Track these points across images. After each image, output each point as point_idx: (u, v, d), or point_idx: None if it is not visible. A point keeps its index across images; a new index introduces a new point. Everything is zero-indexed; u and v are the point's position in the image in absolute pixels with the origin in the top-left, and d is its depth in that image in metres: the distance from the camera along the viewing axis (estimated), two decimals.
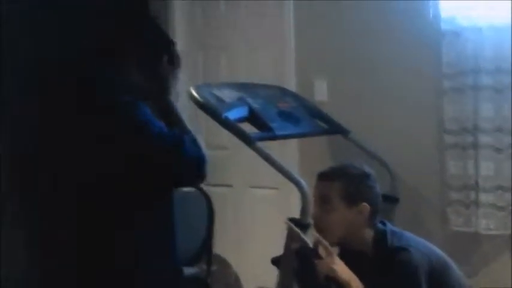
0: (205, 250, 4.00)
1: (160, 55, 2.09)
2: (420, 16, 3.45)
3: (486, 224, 3.20)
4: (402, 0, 3.52)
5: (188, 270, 3.95)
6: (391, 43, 3.59)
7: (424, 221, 3.39)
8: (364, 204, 2.25)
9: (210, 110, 3.03)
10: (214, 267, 4.06)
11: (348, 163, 2.37)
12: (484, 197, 3.19)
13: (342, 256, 2.32)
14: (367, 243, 2.26)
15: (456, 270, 2.29)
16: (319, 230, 2.29)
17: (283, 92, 3.61)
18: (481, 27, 3.20)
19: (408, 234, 2.29)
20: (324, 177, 2.32)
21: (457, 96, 3.29)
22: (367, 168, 2.34)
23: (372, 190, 2.29)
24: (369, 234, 2.26)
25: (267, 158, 2.89)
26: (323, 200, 2.28)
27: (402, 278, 2.13)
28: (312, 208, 2.44)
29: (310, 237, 2.47)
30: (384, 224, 2.31)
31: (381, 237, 2.25)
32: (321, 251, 2.24)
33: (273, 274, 2.77)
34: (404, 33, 3.54)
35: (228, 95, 3.21)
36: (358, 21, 3.70)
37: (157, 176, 1.88)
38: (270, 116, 3.14)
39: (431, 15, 3.40)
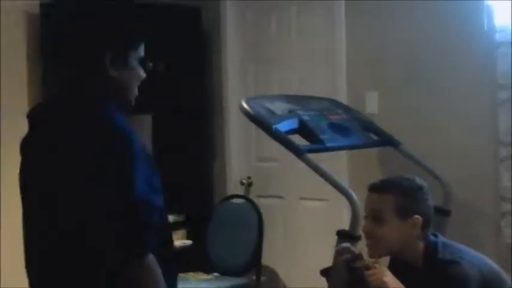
0: (255, 261, 4.02)
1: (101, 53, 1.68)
2: (475, 26, 3.41)
3: None
4: (456, 11, 3.49)
5: (238, 281, 3.98)
6: (445, 54, 3.55)
7: (478, 234, 3.33)
8: (417, 216, 2.21)
9: (261, 121, 3.06)
10: (263, 278, 4.07)
11: (400, 175, 2.35)
12: None
13: (393, 268, 2.30)
14: (419, 256, 2.23)
15: (510, 283, 2.25)
16: (371, 243, 2.27)
17: (335, 104, 3.61)
18: None
19: (460, 246, 2.25)
20: (376, 189, 2.29)
21: None
22: (420, 180, 2.30)
23: (424, 203, 2.26)
24: (420, 246, 2.23)
25: (317, 170, 2.90)
26: (375, 212, 2.26)
27: None
28: (362, 220, 2.42)
29: (359, 249, 2.47)
30: (435, 236, 2.28)
31: (432, 249, 2.21)
32: (371, 263, 2.22)
33: (322, 285, 2.76)
34: (459, 43, 3.50)
35: (278, 107, 3.23)
36: (410, 33, 3.68)
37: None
38: (321, 128, 3.14)
39: (485, 25, 3.36)
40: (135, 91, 1.75)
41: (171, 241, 1.76)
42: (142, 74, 1.76)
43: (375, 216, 2.24)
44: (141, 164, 1.57)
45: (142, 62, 1.75)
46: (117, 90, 1.70)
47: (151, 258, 1.55)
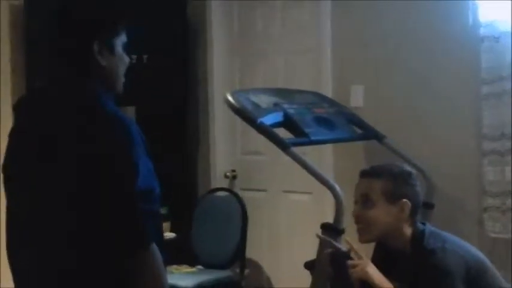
0: (239, 254, 4.02)
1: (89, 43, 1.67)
2: (459, 21, 3.42)
3: None
4: (441, 6, 3.50)
5: (222, 274, 3.98)
6: (429, 48, 3.56)
7: (461, 227, 3.34)
8: (405, 200, 2.25)
9: (246, 115, 3.05)
10: (247, 271, 4.08)
11: (390, 162, 2.40)
12: None
13: (378, 254, 2.32)
14: (406, 242, 2.26)
15: (495, 272, 2.27)
16: (361, 227, 2.29)
17: (320, 97, 3.62)
18: None
19: (447, 235, 2.28)
20: (366, 175, 2.33)
21: (496, 102, 3.24)
22: (408, 167, 2.36)
23: (412, 188, 2.30)
24: (408, 232, 2.26)
25: (302, 163, 2.90)
26: (364, 197, 2.29)
27: (433, 282, 2.12)
28: (349, 210, 2.44)
29: (343, 242, 2.48)
30: (424, 224, 2.31)
31: (418, 236, 2.24)
32: (353, 255, 2.24)
33: (306, 278, 2.77)
34: (443, 38, 3.51)
35: (263, 100, 3.23)
36: (395, 27, 3.68)
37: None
38: (306, 122, 3.15)
39: (470, 20, 3.37)
40: (123, 78, 1.76)
41: (162, 228, 1.76)
42: (128, 60, 1.77)
43: (364, 201, 2.28)
44: (140, 150, 1.57)
45: (126, 48, 1.76)
46: (107, 78, 1.71)
47: (154, 245, 1.57)
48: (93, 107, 1.61)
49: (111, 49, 1.70)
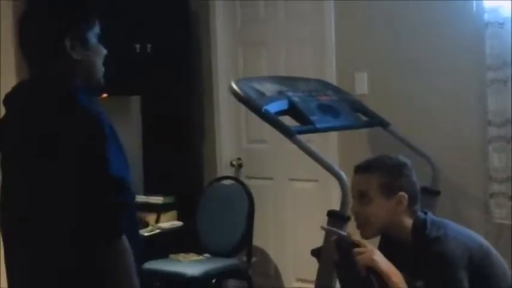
0: (245, 242, 4.04)
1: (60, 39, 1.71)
2: (463, 7, 3.42)
3: None
4: None
5: (229, 262, 4.00)
6: (433, 34, 3.56)
7: (466, 213, 3.36)
8: (402, 193, 2.24)
9: (250, 103, 3.06)
10: (254, 259, 4.09)
11: (383, 155, 2.38)
12: None
13: (384, 245, 2.32)
14: (408, 232, 2.25)
15: (500, 259, 2.26)
16: (360, 223, 2.29)
17: (324, 85, 3.61)
18: None
19: (449, 223, 2.27)
20: (360, 170, 2.31)
21: (501, 88, 3.24)
22: (402, 158, 2.33)
23: (408, 179, 2.28)
24: (408, 222, 2.25)
25: (307, 151, 2.91)
26: (361, 193, 2.28)
27: (437, 270, 2.12)
28: (351, 201, 2.44)
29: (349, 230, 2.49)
30: (425, 213, 2.30)
31: (420, 225, 2.23)
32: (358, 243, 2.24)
33: (312, 266, 2.79)
34: (447, 24, 3.50)
35: (268, 88, 3.23)
36: (399, 13, 3.67)
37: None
38: (310, 109, 3.15)
39: (474, 6, 3.36)
40: (101, 69, 1.79)
41: (136, 219, 1.79)
42: (104, 51, 1.80)
43: (361, 196, 2.27)
44: (113, 144, 1.62)
45: (100, 39, 1.78)
46: (83, 72, 1.74)
47: (124, 238, 1.61)
48: (67, 103, 1.66)
49: (85, 43, 1.74)
